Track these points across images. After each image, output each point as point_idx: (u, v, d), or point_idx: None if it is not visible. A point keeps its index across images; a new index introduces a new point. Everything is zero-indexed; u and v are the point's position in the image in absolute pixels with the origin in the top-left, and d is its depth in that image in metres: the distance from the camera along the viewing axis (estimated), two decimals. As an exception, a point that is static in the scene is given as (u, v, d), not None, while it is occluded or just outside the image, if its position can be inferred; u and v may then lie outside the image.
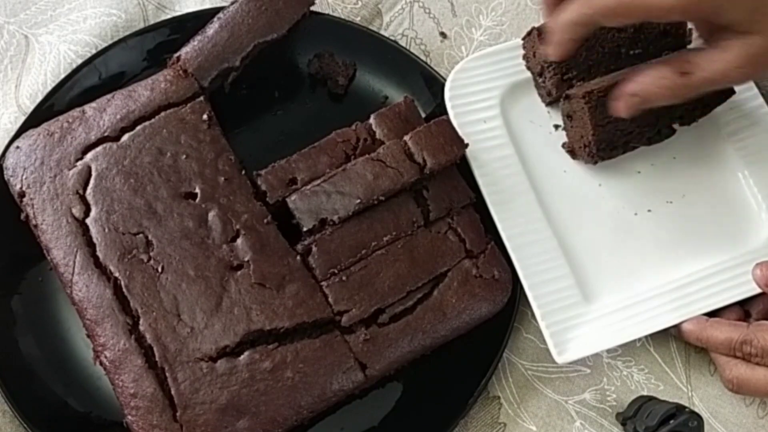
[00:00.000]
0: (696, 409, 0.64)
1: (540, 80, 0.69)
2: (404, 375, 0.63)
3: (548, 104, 0.70)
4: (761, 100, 0.70)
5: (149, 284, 0.59)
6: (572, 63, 0.67)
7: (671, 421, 0.60)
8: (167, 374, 0.57)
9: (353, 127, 0.64)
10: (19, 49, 0.72)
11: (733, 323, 0.63)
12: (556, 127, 0.70)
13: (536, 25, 0.68)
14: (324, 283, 0.61)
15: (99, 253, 0.59)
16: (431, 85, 0.70)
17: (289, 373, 0.58)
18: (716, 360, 0.64)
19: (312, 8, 0.69)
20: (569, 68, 0.67)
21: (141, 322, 0.58)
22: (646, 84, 0.58)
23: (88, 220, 0.60)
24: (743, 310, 0.65)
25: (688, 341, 0.65)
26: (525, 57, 0.70)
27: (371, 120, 0.64)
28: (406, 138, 0.63)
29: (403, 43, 0.73)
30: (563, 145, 0.69)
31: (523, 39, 0.69)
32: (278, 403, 0.58)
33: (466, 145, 0.65)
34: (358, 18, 0.74)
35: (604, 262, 0.66)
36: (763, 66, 0.56)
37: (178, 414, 0.57)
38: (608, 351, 0.67)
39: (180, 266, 0.59)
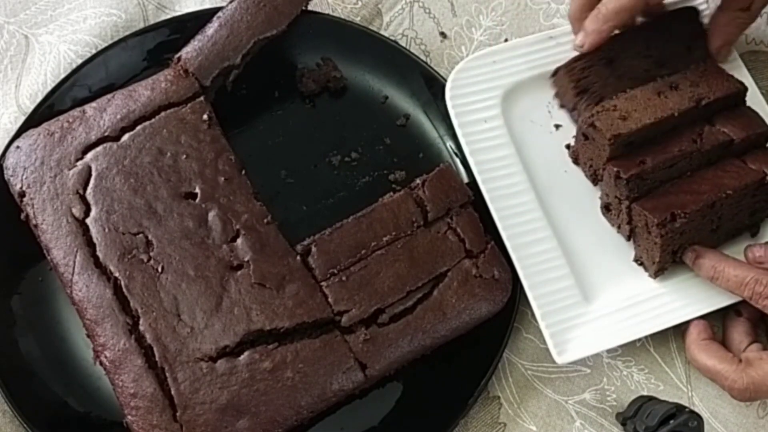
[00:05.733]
0: (696, 409, 0.64)
1: (573, 114, 0.68)
2: (404, 375, 0.63)
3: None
4: (761, 99, 0.70)
5: (149, 284, 0.59)
6: (605, 92, 0.66)
7: (671, 421, 0.60)
8: (167, 374, 0.57)
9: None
10: (19, 49, 0.72)
11: (748, 264, 0.63)
12: (557, 127, 0.70)
13: (557, 64, 0.68)
14: (324, 283, 0.61)
15: (99, 253, 0.59)
16: (431, 85, 0.70)
17: (289, 373, 0.58)
18: (723, 374, 0.61)
19: (312, 8, 0.69)
20: (602, 98, 0.66)
21: (141, 322, 0.58)
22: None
23: (88, 220, 0.60)
24: (735, 310, 0.65)
25: (699, 274, 0.64)
26: (556, 95, 0.69)
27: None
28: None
29: (403, 43, 0.73)
30: (566, 147, 0.69)
31: (552, 77, 0.69)
32: (278, 403, 0.58)
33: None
34: (358, 18, 0.74)
35: (604, 262, 0.66)
36: None
37: (178, 414, 0.57)
38: (608, 351, 0.67)
39: (180, 266, 0.59)
